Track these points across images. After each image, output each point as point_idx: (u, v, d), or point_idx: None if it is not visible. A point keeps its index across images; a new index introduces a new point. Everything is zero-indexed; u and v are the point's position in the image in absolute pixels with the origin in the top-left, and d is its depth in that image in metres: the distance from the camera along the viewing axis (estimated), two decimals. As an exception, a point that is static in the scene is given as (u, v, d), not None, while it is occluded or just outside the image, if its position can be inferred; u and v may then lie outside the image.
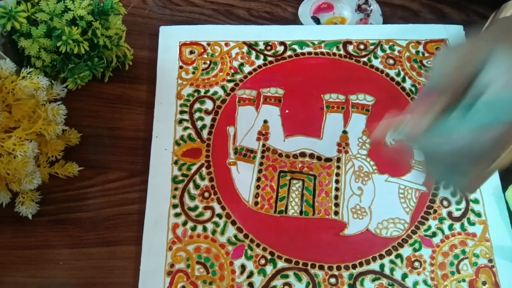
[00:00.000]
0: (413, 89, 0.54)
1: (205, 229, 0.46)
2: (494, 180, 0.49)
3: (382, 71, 0.55)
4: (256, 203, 0.48)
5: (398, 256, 0.46)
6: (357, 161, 0.50)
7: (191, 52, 0.55)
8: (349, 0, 0.60)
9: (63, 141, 0.49)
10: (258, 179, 0.49)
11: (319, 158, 0.50)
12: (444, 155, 0.33)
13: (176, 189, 0.48)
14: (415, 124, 0.32)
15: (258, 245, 0.46)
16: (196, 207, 0.47)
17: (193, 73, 0.54)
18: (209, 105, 0.52)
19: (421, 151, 0.34)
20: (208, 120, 0.52)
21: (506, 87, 0.30)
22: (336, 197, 0.48)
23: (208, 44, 0.56)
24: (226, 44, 0.56)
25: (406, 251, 0.46)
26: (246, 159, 0.50)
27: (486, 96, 0.31)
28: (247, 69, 0.55)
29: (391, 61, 0.55)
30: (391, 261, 0.46)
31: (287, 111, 0.52)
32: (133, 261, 0.45)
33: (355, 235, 0.47)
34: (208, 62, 0.55)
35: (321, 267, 0.45)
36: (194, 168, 0.49)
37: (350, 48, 0.56)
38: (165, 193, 0.48)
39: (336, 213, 0.47)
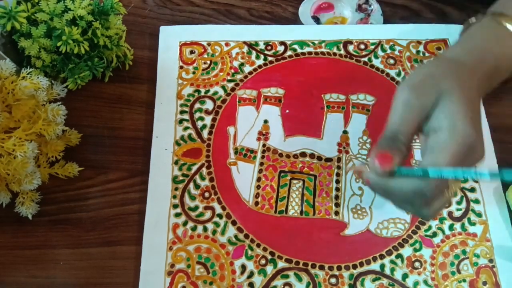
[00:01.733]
0: (413, 89, 0.54)
1: (205, 229, 0.46)
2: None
3: (382, 71, 0.55)
4: (256, 203, 0.48)
5: (399, 256, 0.46)
6: (358, 161, 0.50)
7: (192, 52, 0.55)
8: (349, -1, 0.60)
9: (63, 141, 0.49)
10: (259, 179, 0.49)
11: (319, 158, 0.50)
12: (399, 195, 0.36)
13: (176, 189, 0.48)
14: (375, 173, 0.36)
15: (258, 245, 0.46)
16: (196, 207, 0.47)
17: (194, 73, 0.54)
18: (209, 105, 0.52)
19: (379, 192, 0.38)
20: (208, 120, 0.52)
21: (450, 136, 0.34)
22: (337, 197, 0.48)
23: (209, 44, 0.56)
24: (227, 44, 0.56)
25: (406, 251, 0.46)
26: (246, 159, 0.50)
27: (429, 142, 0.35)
28: (247, 69, 0.54)
29: (392, 61, 0.55)
30: (392, 261, 0.45)
31: (287, 111, 0.52)
32: (133, 261, 0.45)
33: (356, 235, 0.46)
34: (208, 62, 0.55)
35: (321, 267, 0.45)
36: (194, 168, 0.49)
37: (351, 48, 0.56)
38: (166, 193, 0.48)
39: (337, 213, 0.47)
